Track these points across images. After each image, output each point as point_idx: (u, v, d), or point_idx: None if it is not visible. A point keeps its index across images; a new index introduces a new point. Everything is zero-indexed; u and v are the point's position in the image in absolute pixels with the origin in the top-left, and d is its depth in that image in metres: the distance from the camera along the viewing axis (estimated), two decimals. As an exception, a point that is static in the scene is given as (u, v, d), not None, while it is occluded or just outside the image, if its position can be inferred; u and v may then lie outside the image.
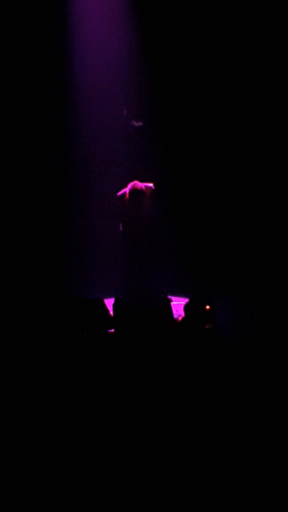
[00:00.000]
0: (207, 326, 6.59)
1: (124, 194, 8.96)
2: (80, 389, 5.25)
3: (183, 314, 7.47)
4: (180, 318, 7.28)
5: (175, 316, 7.07)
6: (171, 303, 7.14)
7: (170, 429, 4.75)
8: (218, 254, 10.01)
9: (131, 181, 8.99)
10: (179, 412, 4.89)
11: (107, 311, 6.83)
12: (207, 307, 6.73)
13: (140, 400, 5.07)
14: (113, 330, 6.69)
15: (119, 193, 9.03)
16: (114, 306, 6.82)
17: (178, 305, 8.22)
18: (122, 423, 4.87)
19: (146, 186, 8.94)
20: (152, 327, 6.72)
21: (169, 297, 7.26)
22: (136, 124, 10.50)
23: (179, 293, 9.16)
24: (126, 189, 8.94)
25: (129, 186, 8.93)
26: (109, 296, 7.53)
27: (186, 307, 6.68)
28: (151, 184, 9.00)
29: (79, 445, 4.68)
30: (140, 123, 10.49)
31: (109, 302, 6.90)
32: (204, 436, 4.67)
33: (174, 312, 7.05)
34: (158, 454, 4.55)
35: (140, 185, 8.91)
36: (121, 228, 9.15)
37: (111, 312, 6.80)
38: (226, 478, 4.34)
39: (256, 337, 6.88)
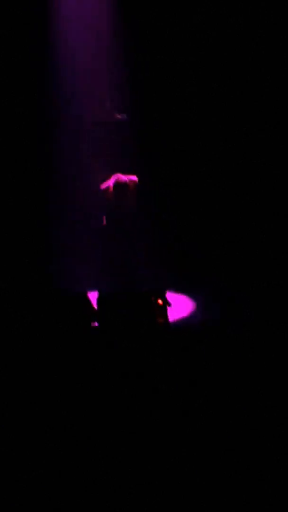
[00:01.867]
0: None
1: (107, 187, 8.93)
2: (65, 383, 5.24)
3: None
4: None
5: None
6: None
7: (159, 425, 4.74)
8: (202, 248, 10.02)
9: (115, 174, 8.96)
10: (169, 406, 4.88)
11: (91, 304, 6.81)
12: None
13: (125, 394, 5.06)
14: (97, 324, 6.68)
15: (103, 186, 8.99)
16: (98, 300, 6.81)
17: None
18: (108, 418, 4.86)
19: (129, 179, 8.91)
20: (135, 321, 6.72)
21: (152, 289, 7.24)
22: (119, 117, 10.47)
23: (162, 286, 9.15)
24: (110, 182, 8.91)
25: (113, 179, 8.90)
26: (92, 289, 7.52)
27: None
28: (134, 177, 8.97)
29: (66, 437, 4.67)
30: (124, 116, 10.46)
31: (93, 296, 6.89)
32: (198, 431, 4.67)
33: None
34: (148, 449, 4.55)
35: (123, 178, 8.88)
36: (104, 221, 9.12)
37: (95, 306, 6.79)
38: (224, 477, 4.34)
39: (253, 332, 6.90)
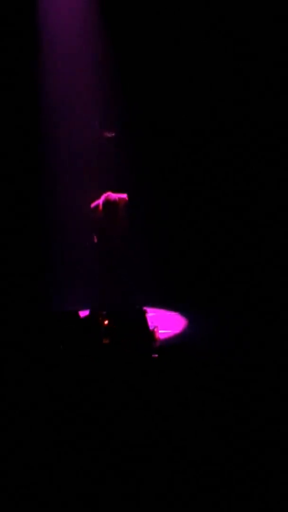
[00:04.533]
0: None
1: (98, 205, 8.94)
2: (57, 399, 5.24)
3: (158, 325, 7.49)
4: (156, 330, 7.29)
5: (150, 327, 7.07)
6: (146, 314, 7.14)
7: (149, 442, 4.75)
8: (194, 264, 10.04)
9: (105, 192, 8.97)
10: (158, 422, 4.89)
11: (82, 322, 6.81)
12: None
13: (116, 411, 5.06)
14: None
15: (93, 204, 9.00)
16: (89, 317, 6.81)
17: (153, 316, 8.22)
18: (97, 434, 4.87)
19: (119, 197, 8.92)
20: (128, 338, 6.72)
21: (144, 308, 7.25)
22: (108, 134, 10.50)
23: (154, 304, 9.17)
24: (100, 201, 8.92)
25: (103, 197, 8.91)
26: (84, 308, 7.52)
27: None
28: (124, 195, 8.99)
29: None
30: (113, 134, 10.48)
31: (84, 314, 6.89)
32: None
33: (149, 323, 7.05)
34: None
35: (113, 196, 8.89)
36: (95, 239, 9.12)
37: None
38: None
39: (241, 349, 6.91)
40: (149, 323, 6.95)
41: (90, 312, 6.93)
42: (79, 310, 6.95)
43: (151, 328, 7.00)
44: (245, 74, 9.69)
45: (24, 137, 9.89)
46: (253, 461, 4.50)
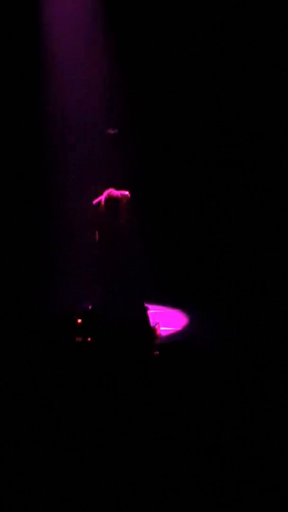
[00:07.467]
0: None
1: (99, 202, 8.92)
2: (59, 402, 5.22)
3: (160, 322, 7.48)
4: (157, 326, 7.28)
5: (152, 324, 7.07)
6: (148, 311, 7.14)
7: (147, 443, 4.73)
8: (197, 261, 10.04)
9: (107, 189, 8.95)
10: (158, 423, 4.88)
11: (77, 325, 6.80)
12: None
13: (118, 412, 5.04)
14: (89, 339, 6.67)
15: (95, 201, 8.99)
16: (86, 317, 6.80)
17: (155, 313, 8.22)
18: (98, 436, 4.85)
19: (122, 194, 8.91)
20: (130, 336, 6.70)
21: (146, 305, 7.25)
22: (111, 131, 10.48)
23: (156, 302, 9.17)
24: (102, 197, 8.90)
25: (105, 194, 8.89)
26: (84, 305, 7.51)
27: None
28: (127, 192, 8.97)
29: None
30: (116, 131, 10.47)
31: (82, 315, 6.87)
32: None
33: (151, 320, 7.05)
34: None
35: (116, 193, 8.87)
36: (97, 236, 9.10)
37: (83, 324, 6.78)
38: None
39: (236, 349, 6.91)
40: (151, 320, 6.93)
41: (63, 311, 6.90)
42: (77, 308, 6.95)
43: (152, 325, 6.99)
44: (248, 74, 9.71)
45: (25, 134, 9.89)
46: (254, 460, 4.50)
